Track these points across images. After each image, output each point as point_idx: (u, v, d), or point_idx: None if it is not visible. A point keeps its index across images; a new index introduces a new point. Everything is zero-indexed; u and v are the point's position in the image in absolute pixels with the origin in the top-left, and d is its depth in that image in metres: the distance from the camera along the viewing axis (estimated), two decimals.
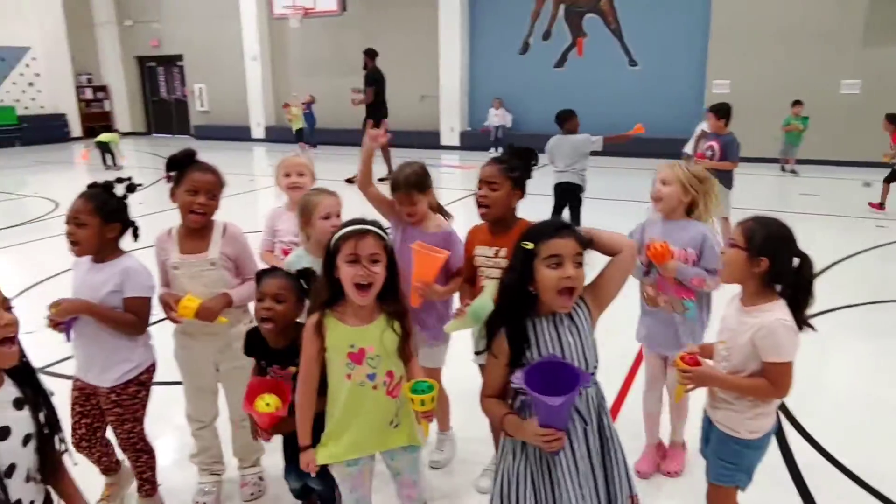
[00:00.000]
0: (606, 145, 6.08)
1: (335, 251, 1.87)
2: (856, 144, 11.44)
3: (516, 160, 2.46)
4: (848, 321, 4.57)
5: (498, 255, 2.43)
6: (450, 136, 15.37)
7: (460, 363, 2.89)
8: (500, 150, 13.70)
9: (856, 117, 11.44)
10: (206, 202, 2.42)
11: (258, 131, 17.56)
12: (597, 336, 1.84)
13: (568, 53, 14.41)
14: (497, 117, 14.23)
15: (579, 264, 1.71)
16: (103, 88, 19.76)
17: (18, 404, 1.51)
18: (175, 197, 2.44)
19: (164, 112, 20.08)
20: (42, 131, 17.32)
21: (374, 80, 10.43)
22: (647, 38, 13.54)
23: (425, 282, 2.49)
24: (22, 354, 1.54)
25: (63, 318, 2.26)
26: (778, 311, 1.90)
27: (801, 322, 1.91)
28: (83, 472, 1.70)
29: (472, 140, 14.94)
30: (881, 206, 8.17)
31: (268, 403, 2.08)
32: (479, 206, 2.45)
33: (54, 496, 1.65)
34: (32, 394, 1.55)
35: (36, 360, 1.60)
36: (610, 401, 2.68)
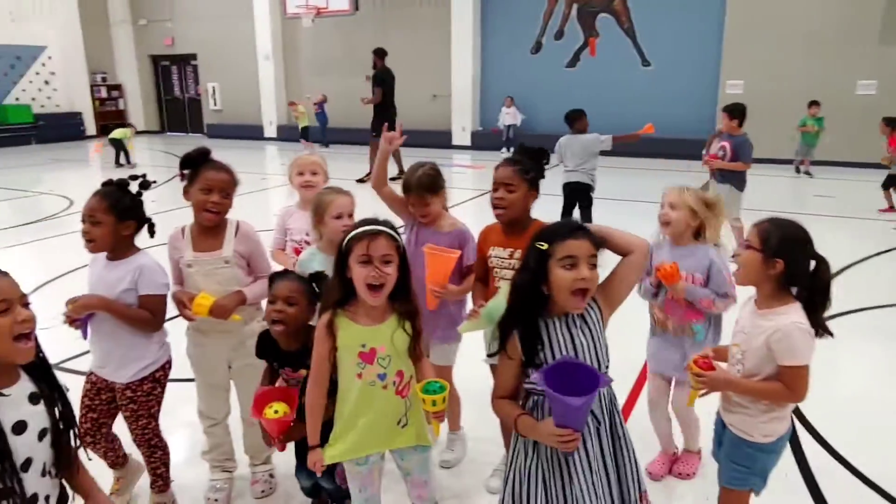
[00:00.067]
0: (616, 145, 6.11)
1: (347, 251, 1.87)
2: (872, 146, 11.24)
3: (529, 161, 2.45)
4: (862, 324, 4.53)
5: (513, 257, 2.42)
6: (461, 136, 15.37)
7: (471, 363, 2.89)
8: (512, 149, 13.75)
9: (872, 118, 11.24)
10: (220, 201, 2.43)
11: (270, 130, 17.65)
12: (608, 339, 1.84)
13: (580, 53, 14.37)
14: (509, 116, 14.20)
15: (593, 266, 1.71)
16: (118, 87, 19.94)
17: (34, 399, 1.53)
18: (189, 195, 2.46)
19: (178, 111, 20.22)
20: (57, 129, 17.52)
21: (382, 80, 10.48)
22: (661, 38, 13.47)
23: (440, 283, 2.49)
24: (38, 350, 1.56)
25: (80, 314, 2.28)
26: (793, 314, 1.88)
27: (818, 326, 1.89)
28: (94, 465, 1.71)
29: (484, 140, 14.93)
30: (892, 208, 8.20)
31: (276, 410, 2.09)
32: (496, 207, 2.44)
33: (69, 491, 1.66)
34: (48, 389, 1.57)
35: (51, 356, 1.62)
36: (620, 402, 2.67)
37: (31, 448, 1.49)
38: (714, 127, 12.22)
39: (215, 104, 18.93)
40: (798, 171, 11.23)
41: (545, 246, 1.71)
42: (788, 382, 1.89)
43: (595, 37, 14.13)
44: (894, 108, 9.56)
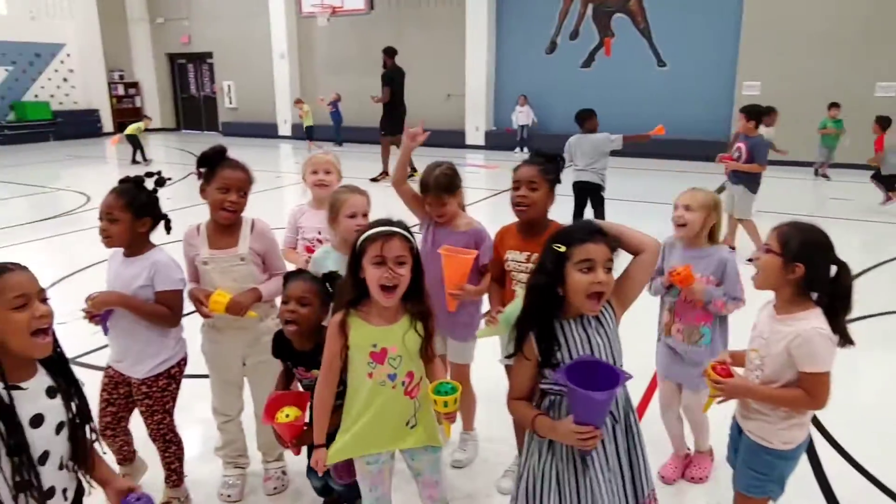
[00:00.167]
0: (627, 145, 6.13)
1: (361, 252, 1.87)
2: None
3: (549, 163, 2.46)
4: (880, 329, 4.47)
5: (529, 260, 2.42)
6: (475, 136, 15.36)
7: (484, 364, 2.89)
8: (526, 149, 13.77)
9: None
10: (237, 200, 2.45)
11: (285, 129, 17.73)
12: (621, 338, 1.85)
13: (595, 53, 14.30)
14: (522, 114, 14.17)
15: (609, 269, 1.73)
16: (135, 85, 20.12)
17: (51, 393, 1.54)
18: (205, 193, 2.48)
19: (194, 108, 20.38)
20: (75, 126, 17.72)
21: (391, 80, 10.52)
22: (677, 39, 13.38)
23: (457, 285, 2.50)
24: (56, 344, 1.58)
25: (98, 310, 2.31)
26: (814, 320, 1.85)
27: (839, 333, 1.86)
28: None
29: (497, 140, 14.91)
30: (888, 197, 8.35)
31: (287, 415, 2.11)
32: (518, 206, 2.43)
33: (86, 485, 1.68)
34: (65, 383, 1.58)
35: (68, 351, 1.64)
36: (634, 402, 2.66)
37: (48, 441, 1.51)
38: (730, 128, 12.17)
39: (230, 102, 19.05)
40: (817, 173, 11.09)
41: (562, 248, 1.71)
42: (809, 389, 1.86)
43: (610, 37, 14.07)
44: None
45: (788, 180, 10.33)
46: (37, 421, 1.48)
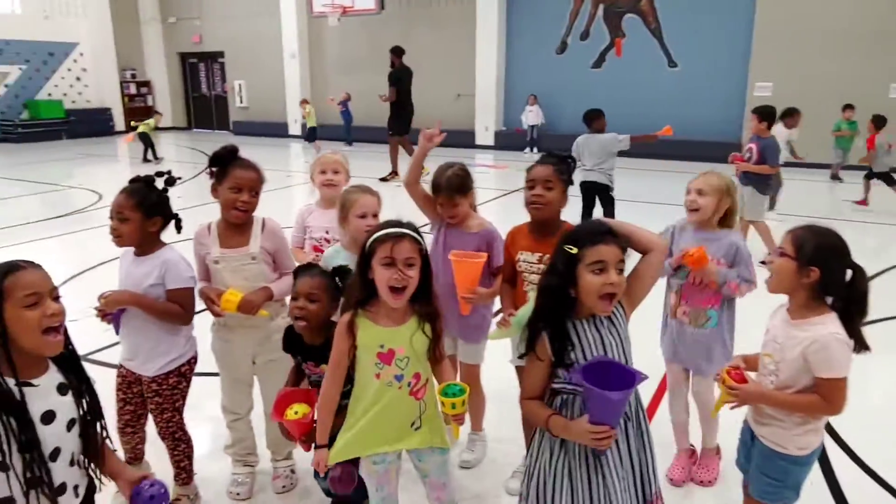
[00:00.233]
0: (635, 145, 6.15)
1: (371, 253, 1.87)
2: None
3: (562, 163, 2.46)
4: (895, 332, 4.43)
5: (541, 262, 2.41)
6: (484, 136, 15.35)
7: (494, 364, 2.89)
8: (536, 149, 13.74)
9: None
10: (249, 199, 2.47)
11: (295, 128, 17.78)
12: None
13: (606, 54, 14.25)
14: (532, 114, 14.14)
15: (620, 270, 1.74)
16: (146, 84, 20.26)
17: (63, 390, 1.55)
18: (217, 193, 2.49)
19: (205, 108, 20.48)
20: (88, 125, 17.87)
21: (398, 79, 10.56)
22: (688, 39, 13.31)
23: (469, 289, 2.49)
24: (67, 341, 1.59)
25: (111, 309, 2.33)
26: (830, 325, 1.83)
27: (855, 339, 1.83)
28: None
29: (507, 140, 14.90)
30: (864, 201, 8.58)
31: (296, 412, 2.11)
32: (533, 205, 2.42)
33: (97, 482, 1.68)
34: (76, 380, 1.59)
35: (79, 348, 1.65)
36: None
37: (59, 438, 1.52)
38: (741, 129, 12.09)
39: (241, 101, 19.14)
40: (834, 177, 10.96)
41: (574, 250, 1.72)
42: (826, 395, 1.84)
43: (621, 37, 14.02)
44: None
45: (801, 182, 10.24)
46: (48, 417, 1.49)
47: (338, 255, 2.56)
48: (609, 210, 6.20)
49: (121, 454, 2.51)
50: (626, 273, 1.80)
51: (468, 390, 1.91)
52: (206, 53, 19.61)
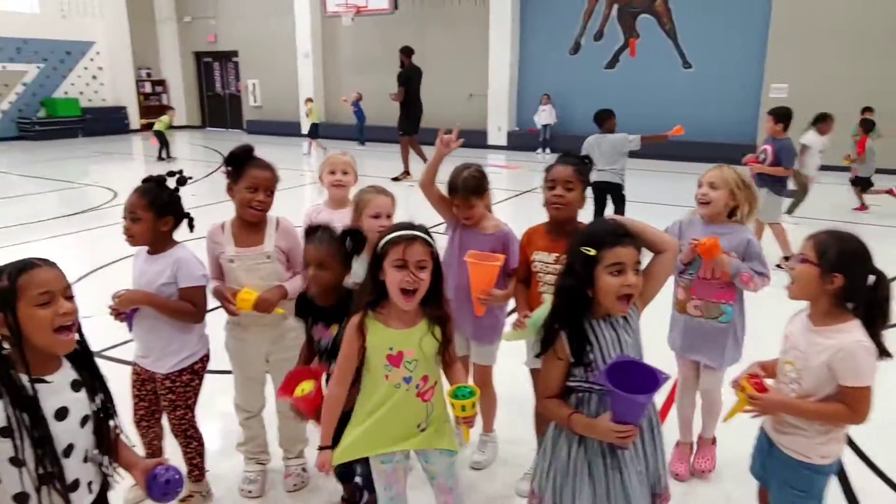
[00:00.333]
0: (648, 146, 6.15)
1: (383, 254, 1.87)
2: None
3: (582, 163, 2.45)
4: None
5: (558, 262, 2.40)
6: (497, 136, 15.32)
7: (504, 366, 2.88)
8: (548, 150, 13.70)
9: None
10: (265, 199, 2.48)
11: (308, 127, 17.82)
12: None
13: (620, 54, 14.19)
14: (545, 113, 14.09)
15: (637, 271, 1.77)
16: (161, 83, 20.41)
17: (76, 386, 1.56)
18: (233, 192, 2.50)
19: (219, 106, 20.60)
20: (103, 123, 18.03)
21: (407, 79, 10.60)
22: (703, 40, 13.21)
23: (485, 291, 2.49)
24: (81, 338, 1.60)
25: (125, 308, 2.35)
26: (855, 332, 1.79)
27: (877, 345, 1.80)
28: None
29: (520, 140, 14.86)
30: (864, 206, 8.68)
31: (303, 389, 2.13)
32: (553, 205, 2.42)
33: (111, 479, 1.69)
34: (89, 377, 1.60)
35: (93, 345, 1.65)
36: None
37: (72, 434, 1.52)
38: (756, 131, 11.99)
39: (255, 101, 19.23)
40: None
41: (592, 252, 1.73)
42: (851, 403, 1.80)
43: (635, 38, 13.95)
44: None
45: (817, 185, 10.12)
46: (62, 414, 1.50)
47: None
48: (620, 209, 6.19)
49: (139, 451, 2.53)
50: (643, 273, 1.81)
51: (478, 393, 1.91)
52: (221, 53, 19.73)
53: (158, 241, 2.39)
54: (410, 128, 10.71)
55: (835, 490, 2.75)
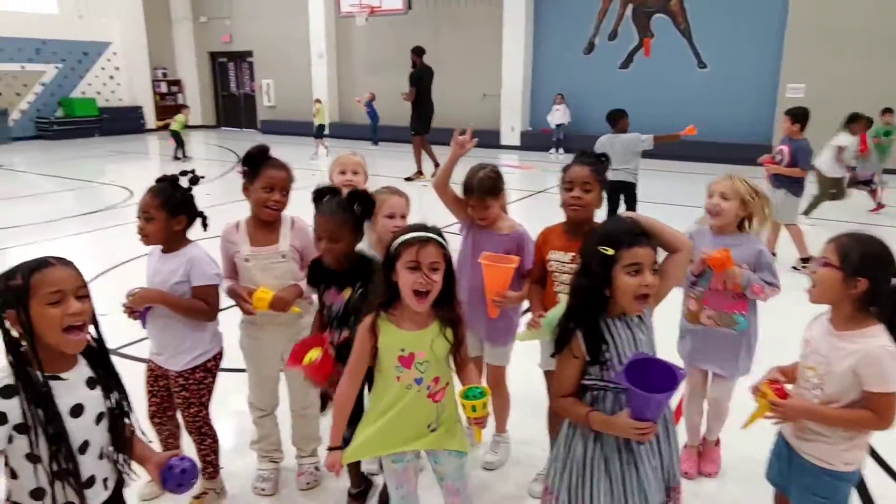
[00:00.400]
0: (662, 146, 6.12)
1: (396, 256, 1.87)
2: None
3: (599, 163, 2.45)
4: None
5: (574, 261, 2.39)
6: (510, 136, 15.29)
7: (517, 366, 2.87)
8: (562, 150, 13.65)
9: None
10: (281, 198, 2.51)
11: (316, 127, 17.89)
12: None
13: (634, 54, 14.11)
14: (559, 112, 14.04)
15: (654, 271, 1.77)
16: (177, 82, 20.57)
17: (91, 384, 1.57)
18: (249, 192, 2.52)
19: (233, 106, 20.74)
20: (120, 122, 18.22)
21: (419, 79, 10.63)
22: (718, 39, 13.10)
23: (499, 293, 2.48)
24: (98, 337, 1.61)
25: (138, 306, 2.38)
26: (881, 337, 1.76)
27: None
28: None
29: (533, 140, 14.82)
30: (881, 205, 8.61)
31: (310, 357, 2.16)
32: (572, 206, 2.41)
33: (126, 477, 1.70)
34: (105, 374, 1.61)
35: (109, 342, 1.66)
36: None
37: (87, 431, 1.54)
38: (772, 132, 11.87)
39: (269, 101, 19.34)
40: (866, 183, 10.67)
41: (611, 252, 1.74)
42: (878, 409, 1.77)
43: (650, 37, 13.86)
44: None
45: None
46: (77, 411, 1.52)
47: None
48: (632, 206, 6.17)
49: (156, 447, 2.55)
50: None
51: (489, 393, 1.90)
52: (236, 53, 19.85)
53: (172, 240, 2.41)
54: (422, 128, 10.73)
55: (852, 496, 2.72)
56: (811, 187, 6.95)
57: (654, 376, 1.70)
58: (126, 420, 1.65)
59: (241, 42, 19.42)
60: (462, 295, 2.63)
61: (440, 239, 1.90)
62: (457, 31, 15.59)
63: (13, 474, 1.49)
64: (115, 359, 1.67)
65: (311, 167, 12.42)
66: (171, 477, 1.61)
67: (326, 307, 2.37)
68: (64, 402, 1.49)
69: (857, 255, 1.76)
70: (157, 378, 2.55)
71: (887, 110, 10.24)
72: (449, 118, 10.56)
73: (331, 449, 2.02)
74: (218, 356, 2.56)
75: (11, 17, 16.22)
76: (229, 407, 3.14)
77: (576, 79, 14.48)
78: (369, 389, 2.15)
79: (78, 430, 1.51)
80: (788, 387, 1.96)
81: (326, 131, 14.80)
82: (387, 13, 16.36)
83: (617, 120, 6.22)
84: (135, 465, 1.70)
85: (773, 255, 6.02)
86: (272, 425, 2.81)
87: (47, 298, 1.46)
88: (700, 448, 2.92)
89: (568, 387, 1.87)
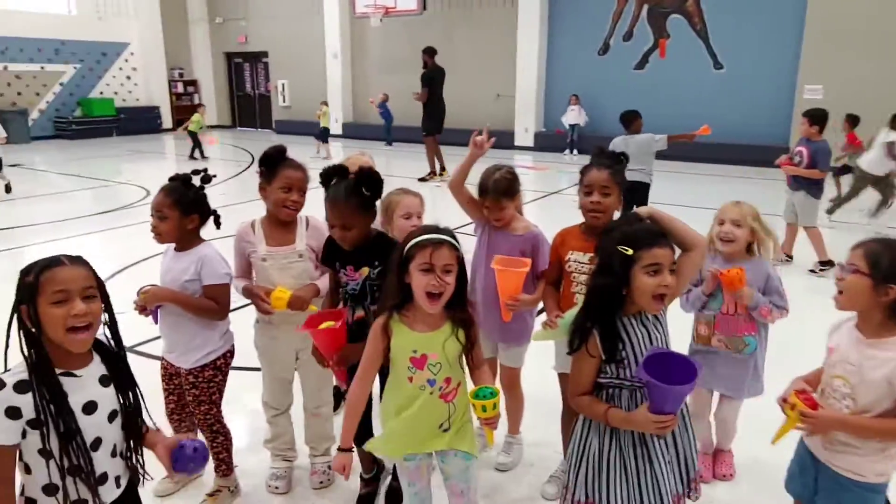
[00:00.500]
0: (678, 147, 6.07)
1: (409, 258, 1.87)
2: None
3: (617, 164, 2.43)
4: None
5: (593, 262, 2.37)
6: (524, 137, 15.25)
7: (530, 368, 2.86)
8: (576, 151, 13.59)
9: None
10: (298, 198, 2.52)
11: (336, 127, 17.94)
12: None
13: (649, 55, 14.01)
14: (573, 113, 13.98)
15: (673, 271, 1.78)
16: (193, 83, 20.73)
17: (105, 381, 1.58)
18: (266, 192, 2.53)
19: (249, 106, 20.86)
20: (137, 122, 18.41)
21: (430, 79, 10.66)
22: (735, 40, 12.97)
23: (513, 297, 2.47)
24: (115, 335, 1.62)
25: (149, 304, 2.39)
26: None
27: None
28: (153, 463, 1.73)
29: (547, 141, 14.78)
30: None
31: (327, 325, 2.19)
32: (592, 213, 2.38)
33: (140, 477, 1.71)
34: (119, 372, 1.62)
35: (125, 340, 1.67)
36: None
37: (100, 428, 1.54)
38: (790, 133, 11.75)
39: (284, 101, 19.43)
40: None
41: (630, 251, 1.75)
42: None
43: (666, 38, 13.77)
44: None
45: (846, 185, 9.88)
46: (90, 408, 1.52)
47: None
48: (644, 204, 6.13)
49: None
50: None
51: (500, 394, 1.89)
52: (251, 53, 19.98)
53: (184, 239, 2.43)
54: (434, 128, 10.75)
55: None
56: (829, 189, 6.88)
57: (672, 370, 1.71)
58: (139, 418, 1.65)
59: (257, 43, 19.54)
60: (476, 296, 2.63)
61: (453, 241, 1.90)
62: (471, 31, 15.58)
63: (27, 469, 1.51)
64: (131, 356, 1.67)
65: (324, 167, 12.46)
66: (183, 457, 1.61)
67: (342, 286, 2.37)
68: (76, 399, 1.50)
69: (888, 260, 1.70)
70: (171, 376, 2.57)
71: None
72: (463, 119, 10.58)
73: (341, 450, 2.02)
74: (228, 354, 2.57)
75: (31, 19, 16.45)
76: (243, 405, 3.16)
77: (590, 80, 14.41)
78: (381, 389, 2.16)
79: (90, 426, 1.52)
80: (814, 394, 1.91)
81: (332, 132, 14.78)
82: (401, 14, 16.40)
83: (631, 121, 6.21)
84: (149, 467, 1.71)
85: (790, 258, 5.97)
86: (286, 424, 2.82)
87: (52, 298, 1.46)
88: (707, 454, 2.90)
89: (584, 385, 1.88)
